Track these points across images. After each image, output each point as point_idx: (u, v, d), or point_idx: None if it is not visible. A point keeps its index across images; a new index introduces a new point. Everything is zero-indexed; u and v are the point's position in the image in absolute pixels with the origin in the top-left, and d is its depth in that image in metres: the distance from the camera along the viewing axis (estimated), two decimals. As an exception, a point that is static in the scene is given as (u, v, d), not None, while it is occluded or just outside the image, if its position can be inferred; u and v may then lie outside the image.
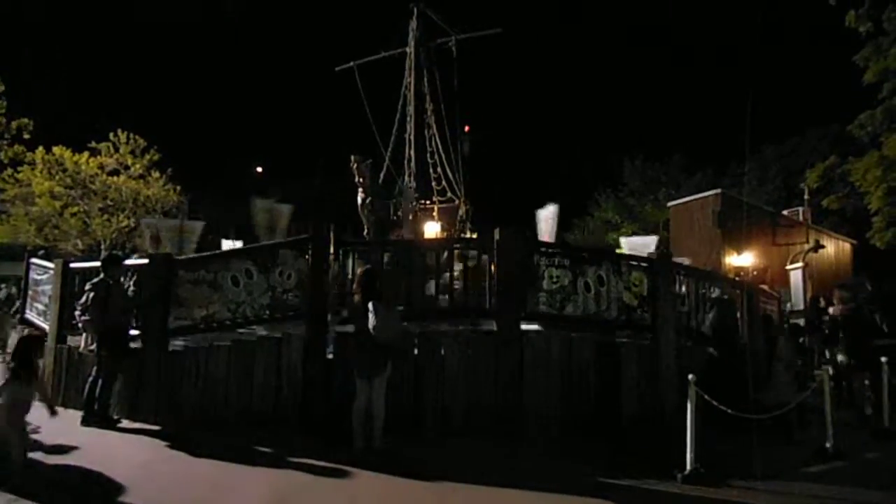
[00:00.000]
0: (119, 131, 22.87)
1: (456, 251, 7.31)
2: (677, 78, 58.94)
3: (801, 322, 11.13)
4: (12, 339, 6.75)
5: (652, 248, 11.66)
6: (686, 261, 10.54)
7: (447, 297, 7.19)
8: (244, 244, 10.13)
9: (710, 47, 63.21)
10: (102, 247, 22.38)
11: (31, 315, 9.29)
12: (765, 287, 11.89)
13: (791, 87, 40.36)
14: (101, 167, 22.53)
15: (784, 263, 18.53)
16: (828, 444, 6.00)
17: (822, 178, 19.32)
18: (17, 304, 11.30)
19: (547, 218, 12.35)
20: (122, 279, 7.13)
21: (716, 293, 8.05)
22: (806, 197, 22.74)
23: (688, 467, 5.09)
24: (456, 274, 7.18)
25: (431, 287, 7.29)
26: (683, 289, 7.61)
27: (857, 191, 17.75)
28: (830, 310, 9.44)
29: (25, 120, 18.63)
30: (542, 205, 12.34)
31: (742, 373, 6.04)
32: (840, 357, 8.53)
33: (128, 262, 7.69)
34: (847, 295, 8.55)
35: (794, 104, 38.61)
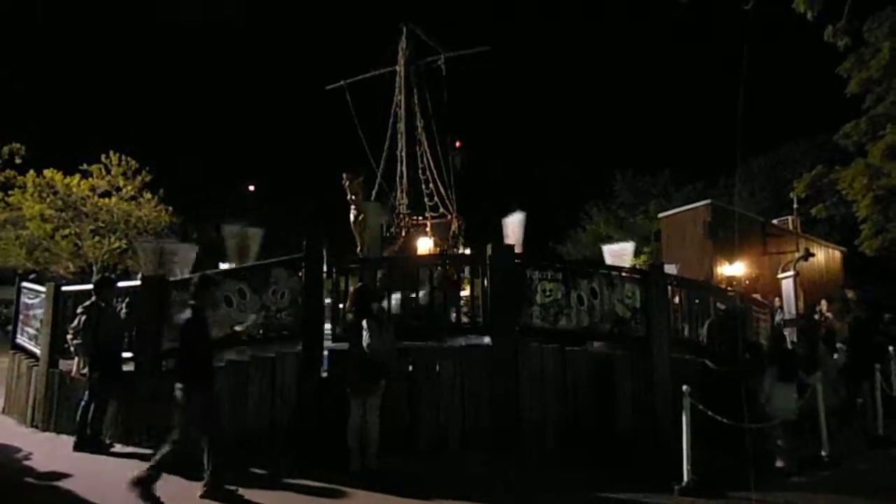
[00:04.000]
0: (111, 153, 22.88)
1: (449, 267, 7.32)
2: (666, 92, 59.64)
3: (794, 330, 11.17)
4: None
5: (629, 254, 11.67)
6: (674, 268, 10.53)
7: (441, 312, 7.19)
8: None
9: (697, 60, 64.08)
10: (94, 269, 22.27)
11: (22, 339, 9.20)
12: (756, 296, 11.96)
13: (777, 98, 40.96)
14: (93, 189, 22.50)
15: (775, 272, 18.65)
16: (823, 453, 6.03)
17: (809, 187, 19.50)
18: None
19: (513, 225, 12.26)
20: (114, 302, 7.10)
21: (711, 304, 8.08)
22: (795, 206, 22.94)
23: (685, 479, 5.09)
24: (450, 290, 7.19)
25: (425, 303, 7.28)
26: (677, 300, 7.64)
27: (844, 199, 17.94)
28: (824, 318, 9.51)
29: (17, 145, 18.62)
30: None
31: (739, 384, 6.06)
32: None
33: (120, 284, 7.64)
34: (840, 305, 8.63)
35: (781, 115, 39.13)
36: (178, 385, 4.93)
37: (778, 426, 5.96)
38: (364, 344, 5.41)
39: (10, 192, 20.95)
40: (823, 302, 9.04)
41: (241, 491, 5.16)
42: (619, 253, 12.02)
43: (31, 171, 21.03)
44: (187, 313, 5.03)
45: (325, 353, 6.55)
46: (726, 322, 7.37)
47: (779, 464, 5.89)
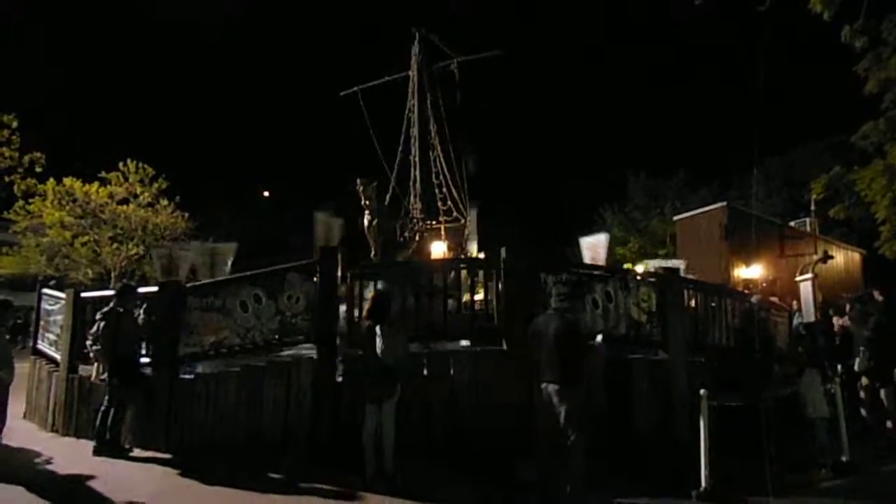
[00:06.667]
0: (128, 160, 23.21)
1: (463, 271, 7.32)
2: (680, 94, 59.25)
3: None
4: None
5: (604, 246, 11.67)
6: (680, 263, 10.36)
7: (456, 317, 7.19)
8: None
9: (712, 61, 63.61)
10: (112, 275, 22.58)
11: (42, 345, 9.34)
12: (775, 299, 11.80)
13: (794, 99, 40.53)
14: (111, 196, 22.83)
15: (793, 275, 18.38)
16: (844, 458, 5.93)
17: (827, 188, 19.20)
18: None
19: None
20: (132, 307, 7.18)
21: (728, 306, 7.98)
22: (812, 208, 22.62)
23: (703, 485, 5.04)
24: (464, 294, 7.19)
25: (439, 307, 7.28)
26: (693, 303, 7.57)
27: (863, 200, 17.64)
28: (839, 320, 9.34)
29: (38, 154, 18.95)
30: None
31: (757, 387, 6.00)
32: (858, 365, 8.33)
33: (138, 290, 7.73)
34: (858, 309, 8.47)
35: (797, 116, 38.74)
36: (554, 387, 5.04)
37: (820, 428, 5.99)
38: (378, 350, 5.43)
39: (30, 201, 21.33)
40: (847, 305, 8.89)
41: (257, 495, 5.20)
42: (595, 246, 12.00)
43: (51, 180, 21.41)
44: (562, 321, 5.15)
45: (340, 358, 6.59)
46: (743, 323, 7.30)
47: (823, 470, 5.84)
